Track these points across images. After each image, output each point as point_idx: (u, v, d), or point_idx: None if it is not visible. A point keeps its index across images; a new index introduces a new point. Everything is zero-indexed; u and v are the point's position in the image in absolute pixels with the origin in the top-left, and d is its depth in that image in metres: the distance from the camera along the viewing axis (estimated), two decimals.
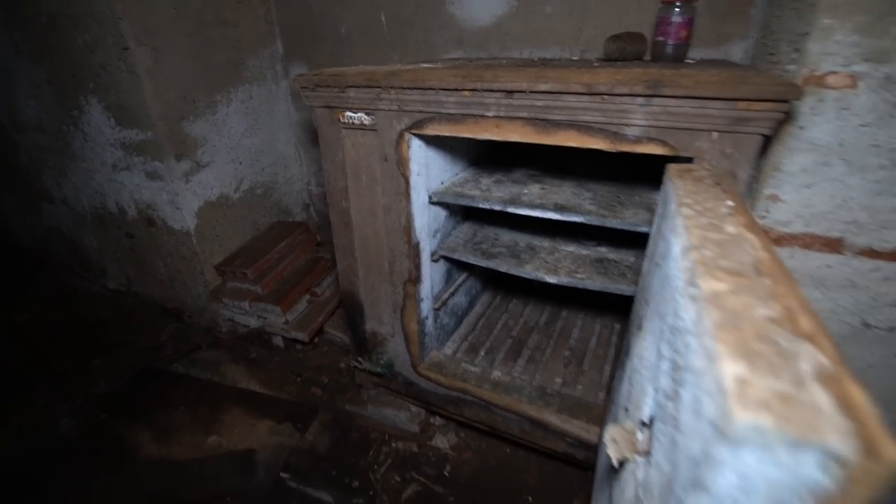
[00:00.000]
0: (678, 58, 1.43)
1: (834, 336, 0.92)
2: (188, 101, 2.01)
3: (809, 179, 0.97)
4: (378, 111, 1.22)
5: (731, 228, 0.58)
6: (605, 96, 0.92)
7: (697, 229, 0.59)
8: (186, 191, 2.07)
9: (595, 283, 1.27)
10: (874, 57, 0.85)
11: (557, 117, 1.00)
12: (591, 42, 1.75)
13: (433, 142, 1.33)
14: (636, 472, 0.66)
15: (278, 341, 2.25)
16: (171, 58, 1.90)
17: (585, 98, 0.95)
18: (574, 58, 1.79)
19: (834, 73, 0.88)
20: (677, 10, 1.37)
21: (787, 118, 0.93)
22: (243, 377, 2.08)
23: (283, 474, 1.62)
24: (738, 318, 0.40)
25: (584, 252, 1.44)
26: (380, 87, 1.16)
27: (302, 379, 2.09)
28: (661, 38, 1.42)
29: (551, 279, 1.31)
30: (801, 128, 0.94)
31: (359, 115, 1.26)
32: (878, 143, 0.89)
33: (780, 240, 1.04)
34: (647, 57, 1.51)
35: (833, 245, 1.01)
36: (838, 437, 0.29)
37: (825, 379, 0.34)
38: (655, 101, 0.89)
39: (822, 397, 0.32)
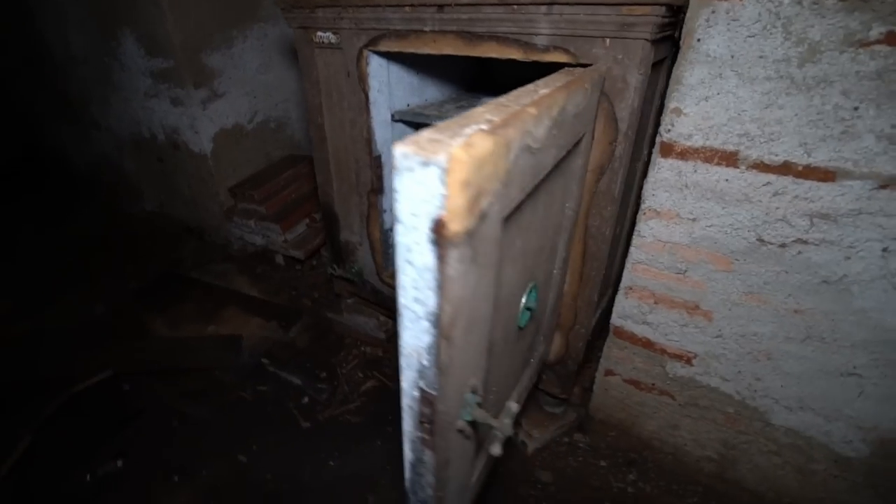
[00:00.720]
0: None
1: (732, 252, 1.04)
2: (206, 33, 2.22)
3: (707, 92, 1.03)
4: (341, 30, 1.36)
5: (543, 90, 0.70)
6: (515, 6, 1.03)
7: (516, 92, 0.71)
8: (204, 117, 2.32)
9: None
10: None
11: (480, 29, 1.11)
12: None
13: (396, 60, 1.46)
14: None
15: (279, 260, 2.51)
16: None
17: (500, 9, 1.05)
18: None
19: None
20: None
21: (685, 27, 0.99)
22: (246, 285, 2.36)
23: (263, 360, 1.88)
24: (467, 115, 0.54)
25: None
26: (340, 6, 1.30)
27: (296, 292, 2.34)
28: None
29: None
30: (699, 40, 1.00)
31: (327, 34, 1.41)
32: (764, 53, 0.94)
33: (683, 153, 1.11)
34: None
35: (729, 158, 1.07)
36: (444, 156, 0.43)
37: (471, 133, 0.47)
38: (555, 8, 0.98)
39: (457, 141, 0.45)
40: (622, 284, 1.37)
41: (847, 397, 1.15)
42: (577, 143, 0.93)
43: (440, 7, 1.13)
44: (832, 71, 0.90)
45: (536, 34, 1.05)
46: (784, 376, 1.22)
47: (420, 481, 0.73)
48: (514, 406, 0.68)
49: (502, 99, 0.66)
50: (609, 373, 1.55)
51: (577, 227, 1.20)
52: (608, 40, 0.98)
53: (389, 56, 1.42)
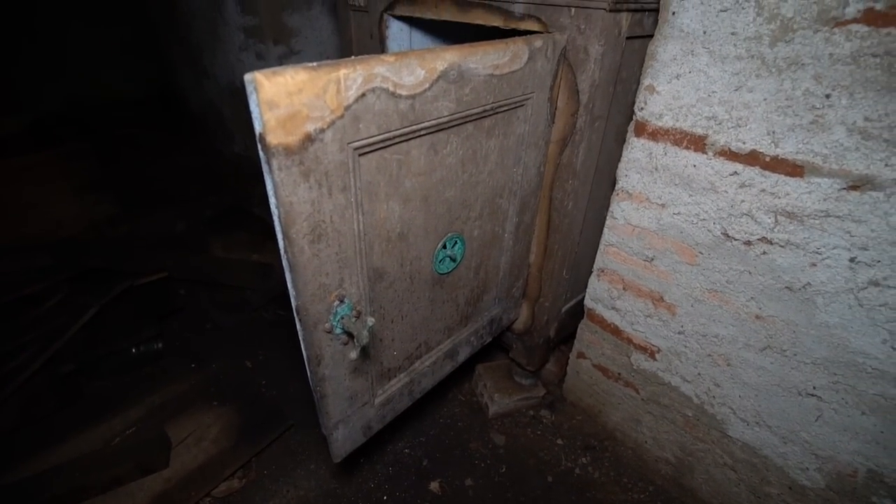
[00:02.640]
0: None
1: (697, 244, 1.06)
2: None
3: (678, 69, 0.97)
4: None
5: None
6: None
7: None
8: None
9: None
10: None
11: None
12: None
13: (418, 26, 1.55)
14: None
15: None
16: None
17: None
18: None
19: None
20: None
21: (654, 12, 0.94)
22: None
23: None
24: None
25: None
26: None
27: None
28: None
29: None
30: (674, 13, 0.94)
31: None
32: (736, 30, 0.87)
33: (655, 134, 1.06)
34: None
35: (697, 143, 1.00)
36: (253, 81, 0.53)
37: (299, 70, 0.57)
38: None
39: (286, 73, 0.56)
40: (595, 266, 1.36)
41: (804, 419, 1.06)
42: (514, 107, 0.96)
43: None
44: (804, 52, 0.82)
45: (514, 2, 1.07)
46: (742, 386, 1.14)
47: (310, 375, 0.86)
48: (370, 320, 0.78)
49: (411, 52, 0.74)
50: (581, 355, 1.55)
51: (542, 198, 1.22)
52: (573, 9, 0.98)
53: (411, 21, 1.51)
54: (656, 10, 1.02)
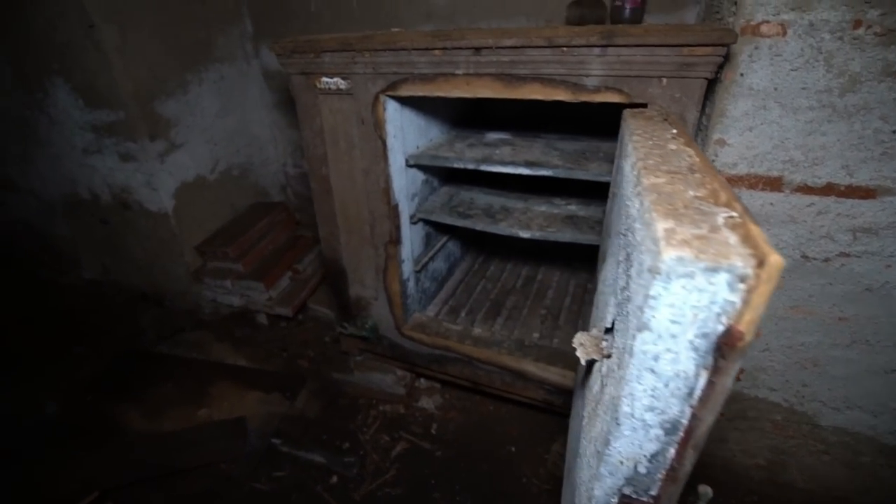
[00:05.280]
0: (635, 21, 1.52)
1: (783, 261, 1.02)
2: (158, 80, 1.99)
3: (751, 122, 1.07)
4: (353, 75, 1.26)
5: (672, 146, 0.66)
6: (565, 48, 1.00)
7: (644, 148, 0.67)
8: (162, 171, 2.07)
9: (565, 235, 1.36)
10: (798, 6, 0.94)
11: (522, 71, 1.07)
12: (556, 11, 1.82)
13: (408, 103, 1.38)
14: (601, 369, 0.75)
15: (262, 319, 2.28)
16: (138, 35, 1.89)
17: (547, 51, 1.02)
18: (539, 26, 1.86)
19: (766, 22, 0.98)
20: None
21: (728, 62, 1.02)
22: (229, 354, 2.11)
23: (274, 440, 1.67)
24: (671, 196, 0.48)
25: (555, 211, 1.52)
26: (354, 50, 1.20)
27: (288, 353, 2.13)
28: (619, 3, 1.50)
29: (524, 234, 1.39)
30: (742, 75, 1.03)
31: (335, 79, 1.30)
32: (807, 85, 0.99)
33: (728, 181, 1.14)
34: (608, 22, 1.59)
35: (774, 184, 1.11)
36: (740, 259, 0.37)
37: (734, 226, 0.41)
38: (610, 50, 0.97)
39: (730, 236, 0.40)
40: None
41: (892, 392, 1.23)
42: None
43: (477, 50, 1.08)
44: (871, 99, 0.96)
45: (587, 75, 1.02)
46: (831, 380, 1.28)
47: None
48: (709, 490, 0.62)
49: (654, 163, 0.62)
50: None
51: None
52: (665, 80, 0.97)
53: (403, 99, 1.34)
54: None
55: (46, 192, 2.46)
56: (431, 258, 1.71)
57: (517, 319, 1.71)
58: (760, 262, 0.37)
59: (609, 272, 0.85)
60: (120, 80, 1.86)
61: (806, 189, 1.08)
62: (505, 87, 1.11)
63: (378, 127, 1.30)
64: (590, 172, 1.23)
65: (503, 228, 1.42)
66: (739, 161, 1.11)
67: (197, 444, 1.60)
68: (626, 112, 0.94)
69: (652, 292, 0.42)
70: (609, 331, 0.76)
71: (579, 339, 0.76)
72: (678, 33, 0.90)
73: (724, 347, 0.41)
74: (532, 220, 1.46)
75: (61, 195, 2.41)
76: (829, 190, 1.07)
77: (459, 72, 1.13)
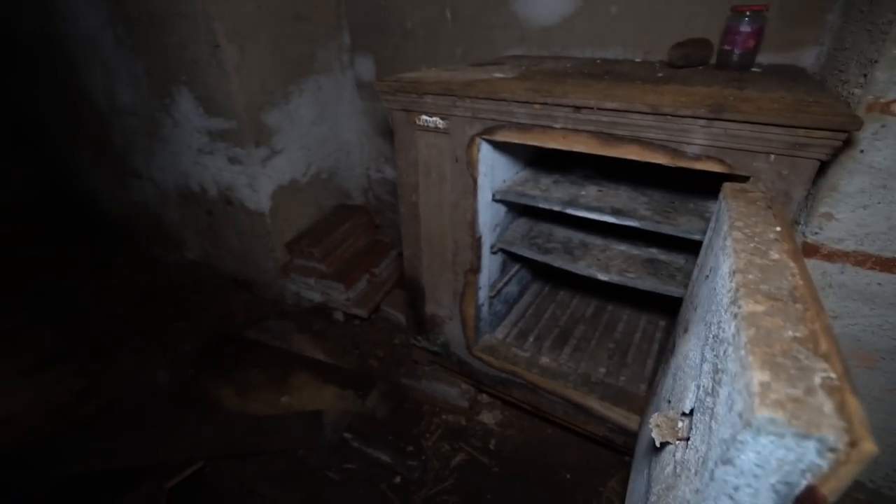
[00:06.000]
0: (744, 66, 1.46)
1: (878, 350, 1.01)
2: (267, 92, 2.19)
3: (866, 201, 1.01)
4: (452, 116, 1.34)
5: (775, 254, 0.67)
6: (668, 116, 1.00)
7: (745, 253, 0.68)
8: (263, 175, 2.28)
9: (646, 283, 1.36)
10: None
11: (621, 132, 1.09)
12: (655, 44, 1.78)
13: (500, 145, 1.44)
14: (675, 453, 0.78)
15: (339, 316, 2.46)
16: (254, 53, 2.08)
17: (650, 117, 1.03)
18: (637, 59, 1.82)
19: None
20: (746, 19, 1.39)
21: (847, 145, 0.97)
22: (308, 346, 2.31)
23: (346, 434, 1.83)
24: (769, 335, 0.51)
25: (636, 252, 1.52)
26: (455, 95, 1.28)
27: (360, 351, 2.30)
28: (727, 48, 1.44)
29: (603, 276, 1.41)
30: (862, 151, 0.98)
31: (434, 119, 1.38)
32: None
33: (831, 255, 1.09)
34: (713, 61, 1.54)
35: (886, 265, 1.05)
36: (833, 433, 0.40)
37: (831, 390, 0.44)
38: (716, 123, 0.96)
39: (825, 403, 0.43)
40: None
41: None
42: None
43: (576, 108, 1.11)
44: None
45: (689, 143, 1.02)
46: None
47: None
48: None
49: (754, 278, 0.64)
50: None
51: None
52: (773, 156, 0.96)
53: (497, 143, 1.39)
54: None
55: (164, 181, 2.79)
56: (506, 283, 1.78)
57: (584, 351, 1.74)
58: (853, 443, 0.40)
59: (691, 351, 0.87)
60: (236, 93, 2.07)
61: None
62: (601, 145, 1.14)
63: (471, 165, 1.37)
64: (678, 229, 1.22)
65: (582, 268, 1.45)
66: (847, 237, 1.06)
67: (281, 430, 1.80)
68: (727, 187, 0.94)
69: (740, 437, 0.46)
70: (686, 415, 0.79)
71: (655, 421, 0.80)
72: (794, 114, 0.88)
73: (805, 500, 0.44)
74: (611, 261, 1.48)
75: (175, 186, 2.73)
76: None
77: (557, 125, 1.17)
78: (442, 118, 1.36)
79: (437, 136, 1.41)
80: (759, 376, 0.46)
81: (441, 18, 2.20)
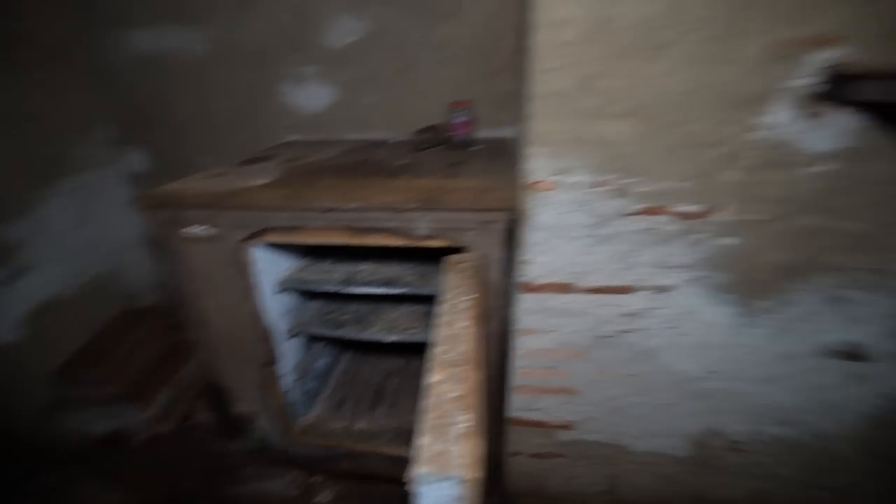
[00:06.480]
0: (468, 144, 1.87)
1: (582, 347, 1.33)
2: (3, 203, 1.88)
3: (544, 249, 1.42)
4: (219, 225, 1.39)
5: (461, 323, 0.93)
6: (397, 211, 1.25)
7: (444, 326, 0.92)
8: (7, 300, 1.92)
9: (427, 335, 1.60)
10: (561, 171, 1.32)
11: (367, 225, 1.31)
12: (410, 125, 2.09)
13: (272, 243, 1.53)
14: None
15: (139, 440, 2.16)
16: None
17: (384, 213, 1.27)
18: (397, 138, 2.13)
19: (543, 181, 1.34)
20: (460, 115, 1.81)
21: (523, 214, 1.36)
22: (103, 492, 1.97)
23: None
24: (439, 400, 0.72)
25: (420, 308, 1.77)
26: (219, 207, 1.34)
27: (172, 475, 2.05)
28: (452, 133, 1.84)
29: (391, 338, 1.61)
30: (532, 217, 1.38)
31: (203, 227, 1.41)
32: (577, 222, 1.37)
33: (538, 288, 1.48)
34: (446, 144, 1.92)
35: (566, 288, 1.48)
36: (459, 471, 0.61)
37: (465, 437, 0.67)
38: (430, 213, 1.25)
39: (456, 450, 0.64)
40: (512, 384, 1.69)
41: (673, 420, 1.65)
42: None
43: (327, 210, 1.29)
44: (617, 231, 1.36)
45: (417, 228, 1.29)
46: (634, 419, 1.67)
47: None
48: None
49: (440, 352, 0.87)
50: (515, 454, 1.84)
51: None
52: (473, 231, 1.28)
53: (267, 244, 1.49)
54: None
55: None
56: (313, 361, 1.85)
57: (397, 405, 1.90)
58: (470, 472, 0.62)
59: None
60: None
61: (587, 290, 1.46)
62: (354, 236, 1.34)
63: (245, 267, 1.44)
64: (436, 289, 1.49)
65: (372, 334, 1.62)
66: (542, 274, 1.46)
67: None
68: (447, 261, 1.22)
69: (420, 490, 0.65)
70: None
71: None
72: (479, 201, 1.21)
73: None
74: (398, 321, 1.69)
75: None
76: (602, 290, 1.46)
77: (312, 225, 1.33)
78: (211, 226, 1.40)
79: (207, 244, 1.44)
80: (424, 440, 0.65)
81: (214, 112, 2.23)
